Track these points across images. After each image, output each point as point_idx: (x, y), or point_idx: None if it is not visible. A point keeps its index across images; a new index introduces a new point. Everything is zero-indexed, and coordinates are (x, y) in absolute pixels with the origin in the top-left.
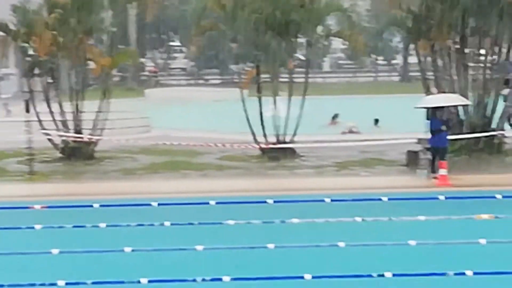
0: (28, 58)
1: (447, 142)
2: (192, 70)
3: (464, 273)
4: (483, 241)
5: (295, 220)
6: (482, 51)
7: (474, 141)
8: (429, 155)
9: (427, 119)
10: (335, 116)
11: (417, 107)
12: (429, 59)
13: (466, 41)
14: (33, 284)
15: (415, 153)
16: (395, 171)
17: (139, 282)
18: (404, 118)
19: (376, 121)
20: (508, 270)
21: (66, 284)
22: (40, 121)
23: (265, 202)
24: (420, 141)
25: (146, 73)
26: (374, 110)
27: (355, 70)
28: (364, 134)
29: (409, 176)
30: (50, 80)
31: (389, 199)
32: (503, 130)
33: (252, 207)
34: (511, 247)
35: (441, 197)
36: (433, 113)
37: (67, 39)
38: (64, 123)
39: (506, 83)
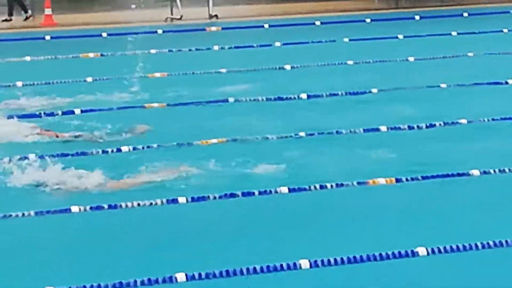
0: None
1: None
2: None
3: (73, 112)
4: (89, 78)
5: None
6: None
7: None
8: None
9: None
10: None
11: None
12: None
13: None
14: None
15: None
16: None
17: None
18: None
19: None
20: (117, 105)
21: None
22: None
23: None
24: None
25: None
26: None
27: None
28: None
29: (14, 16)
30: None
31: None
32: None
33: None
34: (116, 82)
35: (47, 37)
36: None
37: None
38: None
39: None
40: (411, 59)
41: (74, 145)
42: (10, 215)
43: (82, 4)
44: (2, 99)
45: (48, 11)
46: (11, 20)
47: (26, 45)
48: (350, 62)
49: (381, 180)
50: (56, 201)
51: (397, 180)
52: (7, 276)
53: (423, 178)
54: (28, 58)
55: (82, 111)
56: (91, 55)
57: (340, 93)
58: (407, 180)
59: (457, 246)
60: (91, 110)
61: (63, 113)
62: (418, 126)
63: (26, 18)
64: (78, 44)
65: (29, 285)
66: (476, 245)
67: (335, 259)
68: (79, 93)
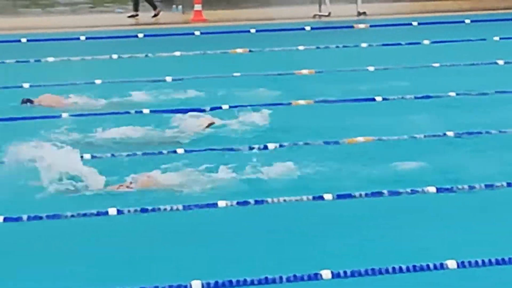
0: None
1: None
2: None
3: (220, 107)
4: (237, 74)
5: (50, 59)
6: None
7: None
8: None
9: None
10: None
11: None
12: None
13: None
14: None
15: None
16: (149, 7)
17: None
18: None
19: None
20: (264, 102)
21: None
22: None
23: (19, 41)
24: None
25: None
26: None
27: None
28: None
29: (164, 12)
30: None
31: (145, 35)
32: None
33: (4, 46)
34: (263, 78)
35: (197, 32)
36: None
37: None
38: None
39: None
40: None
41: (220, 139)
42: (159, 209)
43: (231, 0)
44: (151, 93)
45: (198, 7)
46: (137, 16)
47: (176, 41)
48: (501, 62)
49: None
50: (205, 196)
51: None
52: (153, 269)
53: None
54: (177, 53)
55: (230, 107)
56: (239, 50)
57: (489, 92)
58: None
59: None
60: (238, 106)
61: (211, 109)
62: None
63: (155, 16)
64: (227, 40)
65: (177, 277)
66: None
67: (482, 260)
68: (227, 89)
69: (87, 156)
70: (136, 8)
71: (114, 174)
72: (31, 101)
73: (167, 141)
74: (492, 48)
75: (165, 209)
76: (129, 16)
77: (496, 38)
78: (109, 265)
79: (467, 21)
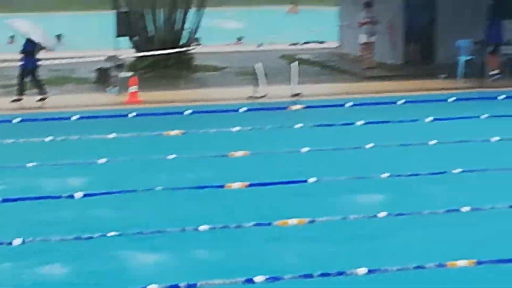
0: None
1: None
2: None
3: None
4: (172, 156)
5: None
6: None
7: (164, 57)
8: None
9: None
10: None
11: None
12: None
13: None
14: None
15: (105, 70)
16: (85, 89)
17: None
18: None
19: (58, 36)
20: (195, 184)
21: None
22: None
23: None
24: (110, 58)
25: None
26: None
27: None
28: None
29: (99, 94)
30: None
31: (80, 117)
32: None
33: None
34: (197, 160)
35: (131, 114)
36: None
37: None
38: None
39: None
40: (495, 139)
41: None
42: None
43: (169, 81)
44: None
45: (132, 88)
46: (20, 100)
47: (111, 123)
48: (432, 142)
49: None
50: None
51: None
52: None
53: None
54: (112, 135)
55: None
56: (173, 133)
57: (421, 173)
58: None
59: None
60: (180, 188)
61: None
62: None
63: (41, 99)
64: (161, 122)
65: None
66: None
67: None
68: (160, 171)
69: None
70: (21, 92)
71: None
72: None
73: None
74: (424, 129)
75: None
76: (13, 101)
77: (429, 119)
78: None
79: (400, 102)
